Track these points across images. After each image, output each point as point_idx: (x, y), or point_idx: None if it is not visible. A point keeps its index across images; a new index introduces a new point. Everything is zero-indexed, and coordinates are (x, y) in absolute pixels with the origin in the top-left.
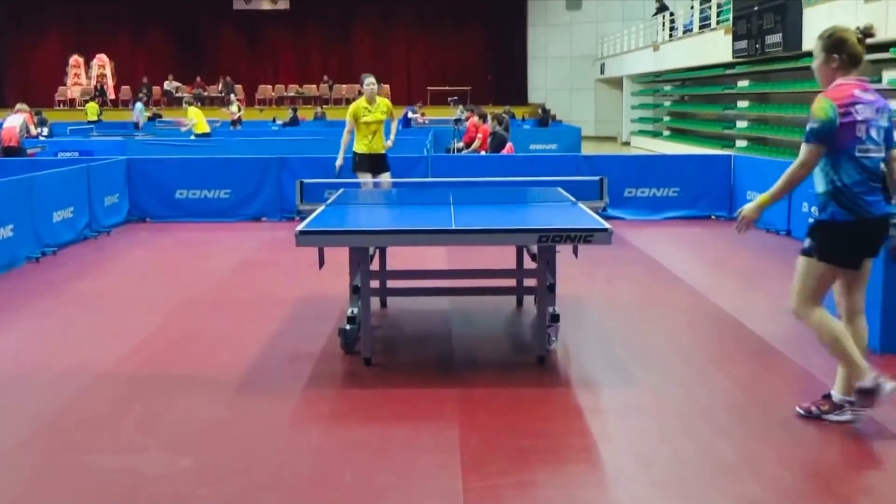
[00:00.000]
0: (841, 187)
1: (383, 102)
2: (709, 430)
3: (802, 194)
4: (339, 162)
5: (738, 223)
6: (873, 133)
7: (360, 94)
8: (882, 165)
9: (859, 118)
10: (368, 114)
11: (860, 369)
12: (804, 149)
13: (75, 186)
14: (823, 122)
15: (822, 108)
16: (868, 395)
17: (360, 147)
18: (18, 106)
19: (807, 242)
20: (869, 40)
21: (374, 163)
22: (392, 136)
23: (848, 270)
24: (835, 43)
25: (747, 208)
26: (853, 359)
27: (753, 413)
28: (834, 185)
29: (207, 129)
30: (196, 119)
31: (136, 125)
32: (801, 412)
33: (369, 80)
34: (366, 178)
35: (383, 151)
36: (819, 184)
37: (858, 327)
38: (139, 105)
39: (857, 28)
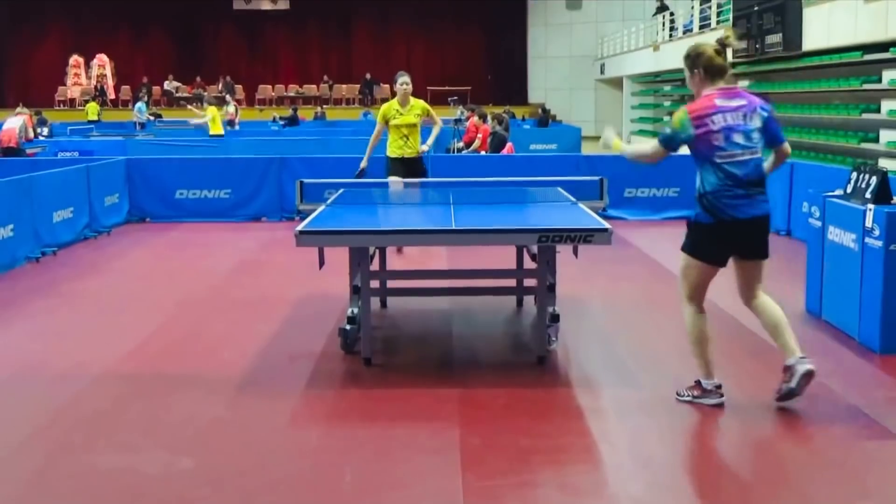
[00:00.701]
0: (703, 192)
1: (418, 104)
2: (709, 430)
3: (803, 195)
4: (362, 164)
5: (605, 135)
6: (738, 138)
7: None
8: (765, 163)
9: (715, 128)
10: (399, 116)
11: (708, 372)
12: (653, 145)
13: (75, 186)
14: (676, 132)
15: (679, 119)
16: (701, 393)
17: (391, 150)
18: (19, 109)
19: (684, 238)
20: (869, 40)
21: (409, 167)
22: (430, 140)
23: (711, 266)
24: (693, 59)
25: (608, 134)
26: (705, 361)
27: (753, 413)
28: (699, 190)
29: (221, 131)
30: (213, 118)
31: (136, 125)
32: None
33: (402, 80)
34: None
35: (418, 155)
36: (705, 183)
37: (764, 308)
38: (140, 105)
39: (717, 40)
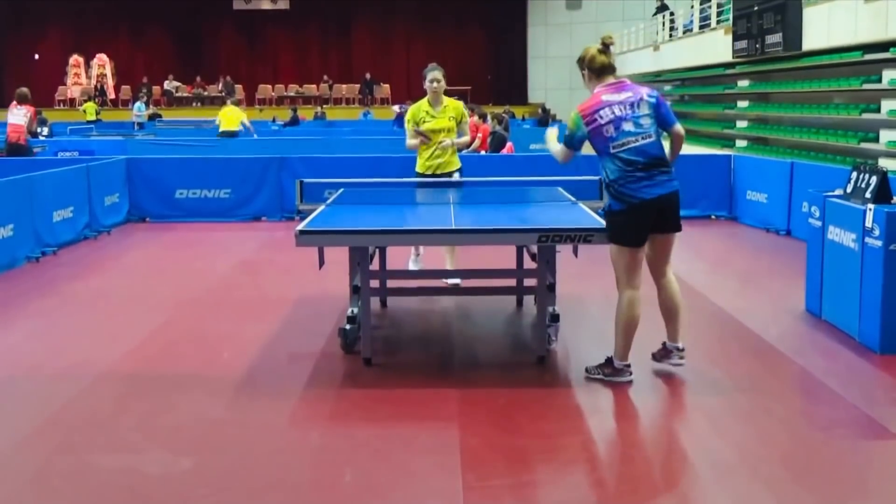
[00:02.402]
0: (608, 182)
1: (452, 105)
2: (709, 430)
3: (803, 195)
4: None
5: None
6: (627, 126)
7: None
8: (665, 145)
9: (604, 121)
10: (431, 119)
11: (625, 354)
12: (560, 147)
13: (75, 186)
14: (572, 131)
15: (572, 119)
16: (612, 371)
17: (422, 164)
18: (19, 92)
19: (606, 228)
20: (869, 40)
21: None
22: (458, 139)
23: (635, 249)
24: (580, 61)
25: (548, 137)
26: (626, 344)
27: (753, 413)
28: (604, 181)
29: (233, 128)
30: (225, 116)
31: (135, 125)
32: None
33: (432, 75)
34: None
35: (456, 167)
36: (612, 172)
37: (668, 287)
38: (139, 104)
39: (601, 39)
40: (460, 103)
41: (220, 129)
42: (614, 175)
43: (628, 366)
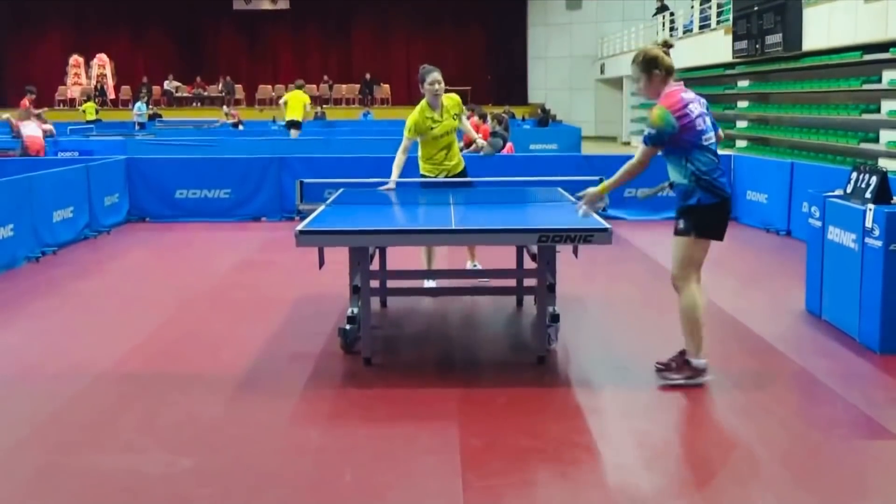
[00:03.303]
0: (700, 174)
1: (451, 103)
2: (709, 430)
3: (803, 195)
4: (390, 185)
5: (580, 206)
6: (708, 122)
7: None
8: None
9: (695, 115)
10: (437, 124)
11: (701, 348)
12: (642, 149)
13: (75, 186)
14: (660, 129)
15: (659, 116)
16: (693, 373)
17: (427, 168)
18: (22, 115)
19: (681, 224)
20: (869, 40)
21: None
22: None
23: (715, 242)
24: (650, 62)
25: (590, 193)
26: (701, 336)
27: (753, 413)
28: (695, 175)
29: (298, 117)
30: (289, 104)
31: (136, 125)
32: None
33: (432, 77)
34: None
35: (462, 168)
36: (678, 177)
37: (699, 293)
38: (139, 104)
39: (658, 44)
40: (455, 95)
41: (287, 119)
42: (707, 167)
43: (707, 364)
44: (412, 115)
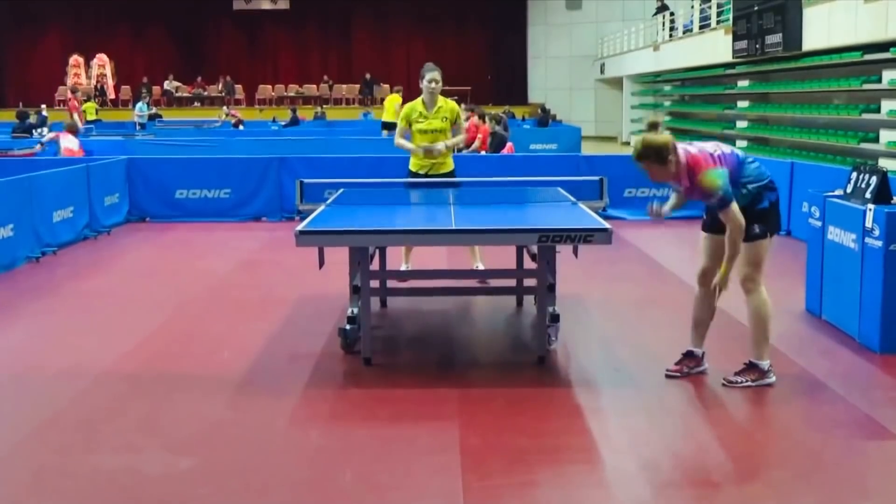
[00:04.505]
0: (757, 184)
1: (447, 106)
2: (709, 430)
3: (803, 195)
4: (416, 150)
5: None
6: (721, 145)
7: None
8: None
9: (716, 153)
10: (424, 120)
11: (768, 350)
12: (731, 209)
13: (75, 186)
14: (723, 186)
15: (711, 178)
16: (759, 375)
17: (415, 163)
18: (48, 131)
19: (756, 229)
20: (869, 40)
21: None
22: (451, 141)
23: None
24: (660, 152)
25: (720, 276)
26: (768, 338)
27: (753, 413)
28: (753, 188)
29: (390, 118)
30: (388, 106)
31: (137, 125)
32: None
33: (430, 76)
34: None
35: (449, 169)
36: (744, 197)
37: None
38: (140, 105)
39: (648, 131)
40: (455, 103)
41: (385, 119)
42: (755, 174)
43: (771, 365)
44: (406, 106)
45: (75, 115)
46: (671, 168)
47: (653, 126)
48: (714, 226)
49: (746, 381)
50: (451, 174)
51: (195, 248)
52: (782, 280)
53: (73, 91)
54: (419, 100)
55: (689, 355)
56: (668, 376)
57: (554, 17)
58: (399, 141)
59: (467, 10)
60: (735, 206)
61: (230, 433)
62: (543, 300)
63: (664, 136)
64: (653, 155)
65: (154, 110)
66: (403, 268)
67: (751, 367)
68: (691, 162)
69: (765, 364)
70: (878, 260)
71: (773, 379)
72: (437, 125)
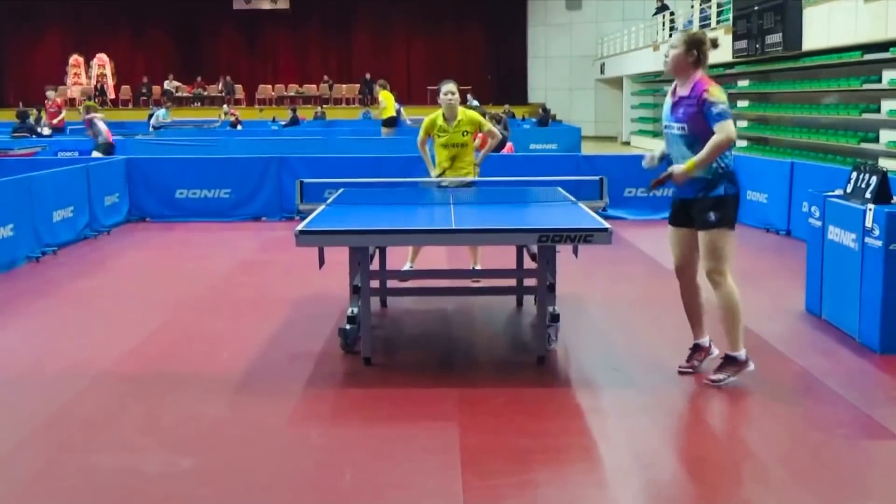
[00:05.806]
0: (728, 168)
1: (467, 118)
2: (709, 430)
3: (803, 194)
4: (435, 172)
5: (659, 180)
6: None
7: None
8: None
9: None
10: (445, 134)
11: (741, 339)
12: (726, 123)
13: (75, 186)
14: (726, 102)
15: (718, 91)
16: (738, 367)
17: (436, 173)
18: (94, 115)
19: (711, 217)
20: (869, 40)
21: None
22: (479, 158)
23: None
24: (697, 43)
25: (676, 173)
26: (740, 329)
27: (753, 413)
28: (722, 168)
29: (394, 114)
30: (388, 101)
31: (151, 126)
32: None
33: (446, 89)
34: None
35: (470, 179)
36: (711, 171)
37: (700, 285)
38: (163, 111)
39: (713, 39)
40: (475, 113)
41: (386, 116)
42: (730, 159)
43: (747, 354)
44: (428, 117)
45: (44, 115)
46: (686, 61)
47: (714, 44)
48: (680, 219)
49: (728, 376)
50: (470, 184)
51: (195, 248)
52: (782, 280)
53: (54, 90)
54: (439, 113)
55: (696, 348)
56: (680, 373)
57: (554, 17)
58: (422, 151)
59: (467, 10)
60: (730, 122)
61: (230, 433)
62: (543, 300)
63: (709, 48)
64: (692, 38)
65: (172, 121)
66: (406, 267)
67: (728, 361)
68: (703, 80)
69: (741, 354)
70: (878, 260)
71: (752, 367)
72: (458, 139)
